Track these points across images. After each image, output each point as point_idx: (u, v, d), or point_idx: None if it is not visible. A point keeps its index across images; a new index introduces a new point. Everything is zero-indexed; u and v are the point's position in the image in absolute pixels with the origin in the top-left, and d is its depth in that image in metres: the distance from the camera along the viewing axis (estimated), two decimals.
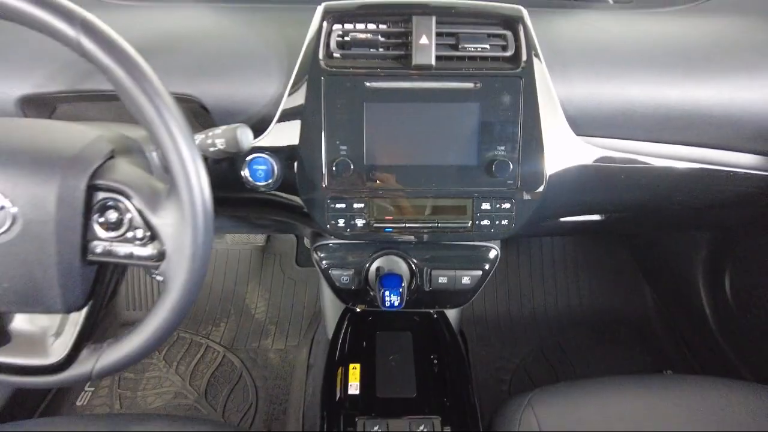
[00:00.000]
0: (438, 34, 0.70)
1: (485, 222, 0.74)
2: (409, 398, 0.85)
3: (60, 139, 0.53)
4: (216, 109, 0.73)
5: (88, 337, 0.59)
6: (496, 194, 0.73)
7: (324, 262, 0.82)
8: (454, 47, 0.72)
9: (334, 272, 0.82)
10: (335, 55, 0.72)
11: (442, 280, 0.83)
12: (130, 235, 0.54)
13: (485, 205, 0.73)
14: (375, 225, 0.74)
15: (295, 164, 0.72)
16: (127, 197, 0.53)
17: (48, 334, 0.59)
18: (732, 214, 1.00)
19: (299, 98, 0.71)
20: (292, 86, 0.71)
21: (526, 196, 0.72)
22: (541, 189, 0.72)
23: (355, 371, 0.89)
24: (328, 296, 1.13)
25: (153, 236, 0.53)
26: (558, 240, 1.59)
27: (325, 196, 0.73)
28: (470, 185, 0.73)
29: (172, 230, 0.53)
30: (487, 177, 0.72)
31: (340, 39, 0.72)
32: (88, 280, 0.55)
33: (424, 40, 0.70)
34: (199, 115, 0.76)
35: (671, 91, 0.73)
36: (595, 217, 0.95)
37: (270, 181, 0.73)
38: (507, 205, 0.73)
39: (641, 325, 1.48)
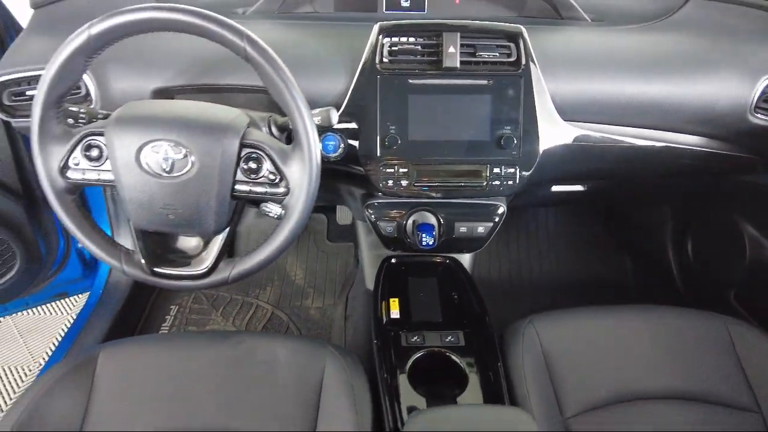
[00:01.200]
0: (461, 45, 0.98)
1: (496, 182, 1.01)
2: (438, 322, 1.12)
3: (218, 112, 0.80)
4: None
5: (224, 253, 0.86)
6: (504, 162, 1.00)
7: (373, 216, 1.09)
8: (473, 54, 0.99)
9: (381, 223, 1.09)
10: (385, 60, 0.99)
11: (462, 229, 1.10)
12: (264, 178, 0.80)
13: (496, 170, 1.00)
14: (416, 184, 1.01)
15: (357, 141, 0.99)
16: (265, 152, 0.79)
17: (197, 251, 0.86)
18: (688, 183, 1.28)
19: (361, 92, 0.98)
20: (356, 83, 0.98)
21: (526, 162, 1.00)
22: (537, 158, 1.00)
23: (394, 303, 1.15)
24: (367, 251, 1.40)
25: (282, 178, 0.80)
26: (551, 217, 1.86)
27: (379, 163, 1.00)
28: (485, 155, 1.00)
29: (296, 174, 0.79)
30: (497, 149, 0.99)
31: (390, 48, 0.99)
32: (230, 211, 0.82)
33: (451, 49, 0.98)
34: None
35: (629, 86, 1.01)
36: (579, 188, 1.23)
37: (337, 153, 0.99)
38: (511, 170, 1.00)
39: (620, 286, 1.75)
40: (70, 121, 0.82)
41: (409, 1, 1.17)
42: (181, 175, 0.76)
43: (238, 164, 0.78)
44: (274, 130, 0.88)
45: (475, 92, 0.98)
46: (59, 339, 1.61)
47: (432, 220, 1.09)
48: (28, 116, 1.01)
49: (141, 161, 0.76)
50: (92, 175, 0.80)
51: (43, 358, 1.54)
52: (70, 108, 0.85)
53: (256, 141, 0.78)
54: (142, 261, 0.83)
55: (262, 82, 0.76)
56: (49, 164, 0.78)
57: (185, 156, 0.75)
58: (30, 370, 1.52)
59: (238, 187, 0.79)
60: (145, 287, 1.64)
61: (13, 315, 1.64)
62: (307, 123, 0.76)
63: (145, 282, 0.84)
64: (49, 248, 1.46)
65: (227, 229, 0.84)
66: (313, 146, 0.78)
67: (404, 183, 1.01)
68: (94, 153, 0.79)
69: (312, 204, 0.80)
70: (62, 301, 1.68)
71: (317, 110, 0.87)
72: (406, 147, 0.99)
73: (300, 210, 0.80)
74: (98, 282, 1.57)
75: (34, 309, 1.67)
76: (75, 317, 1.54)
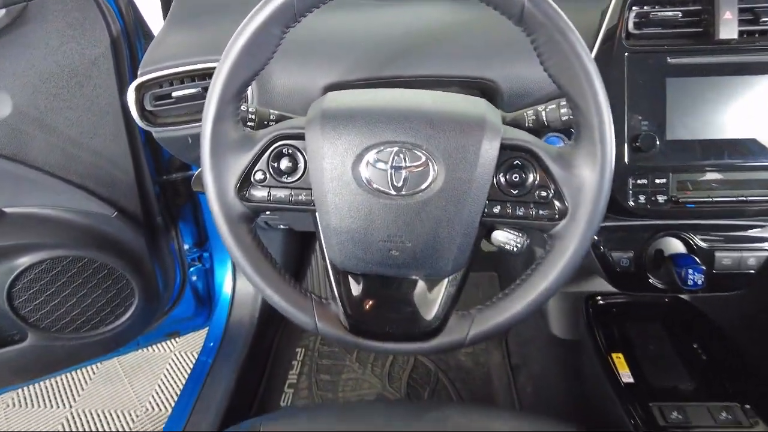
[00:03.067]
0: (739, 10, 0.71)
1: None
2: (691, 389, 0.82)
3: (462, 101, 0.56)
4: (509, 92, 0.76)
5: (455, 303, 0.60)
6: None
7: (603, 244, 0.82)
8: (755, 22, 0.71)
9: (615, 254, 0.81)
10: (633, 32, 0.74)
11: (726, 261, 0.80)
12: (530, 195, 0.55)
13: None
14: (680, 200, 0.73)
15: None
16: (535, 156, 0.54)
17: (418, 299, 0.61)
18: None
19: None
20: None
21: None
22: None
23: (620, 360, 0.86)
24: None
25: (556, 194, 0.55)
26: None
27: (627, 172, 0.73)
28: None
29: (577, 187, 0.54)
30: None
31: (637, 20, 0.73)
32: (474, 241, 0.57)
33: (728, 15, 0.71)
34: None
35: None
36: None
37: None
38: None
39: None
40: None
41: None
42: (418, 192, 0.53)
43: (495, 175, 0.54)
44: (529, 124, 0.63)
45: (762, 72, 0.70)
46: (169, 380, 1.45)
47: (681, 248, 0.81)
48: (172, 124, 0.82)
49: (360, 174, 0.53)
50: (281, 194, 0.58)
51: (150, 403, 1.42)
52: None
53: (522, 141, 0.54)
54: (342, 315, 0.60)
55: (539, 51, 0.53)
56: (223, 181, 0.57)
57: (426, 165, 0.52)
58: (137, 416, 1.40)
59: (492, 207, 0.55)
60: (269, 326, 1.43)
61: None
62: (604, 112, 0.52)
63: (345, 345, 0.60)
64: (166, 283, 1.29)
65: (463, 269, 0.59)
66: (610, 147, 0.52)
67: (660, 199, 0.74)
68: (286, 164, 0.57)
69: (594, 232, 0.55)
70: None
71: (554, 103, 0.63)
72: (664, 149, 0.73)
73: (580, 239, 0.54)
74: (217, 322, 1.38)
75: None
76: (194, 363, 1.35)
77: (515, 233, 0.61)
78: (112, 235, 1.10)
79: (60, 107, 1.00)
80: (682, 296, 0.97)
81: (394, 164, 0.53)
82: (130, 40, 1.03)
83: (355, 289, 0.61)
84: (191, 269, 1.42)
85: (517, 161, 0.55)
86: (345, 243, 0.57)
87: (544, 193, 0.55)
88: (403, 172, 0.53)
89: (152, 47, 0.83)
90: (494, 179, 0.55)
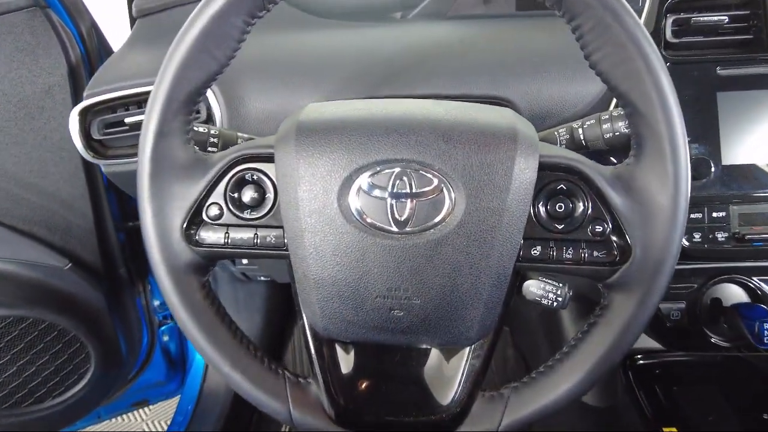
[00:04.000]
0: None
1: None
2: None
3: (492, 113, 0.43)
4: (529, 113, 0.65)
5: (482, 378, 0.45)
6: None
7: None
8: None
9: (663, 305, 0.67)
10: (673, 41, 0.63)
11: None
12: (582, 230, 0.42)
13: None
14: (745, 236, 0.60)
15: None
16: (585, 178, 0.41)
17: (430, 373, 0.46)
18: None
19: None
20: None
21: None
22: None
23: None
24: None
25: (616, 229, 0.41)
26: None
27: None
28: None
29: (644, 217, 0.40)
30: None
31: (675, 28, 0.63)
32: (506, 296, 0.43)
33: None
34: None
35: None
36: None
37: None
38: None
39: None
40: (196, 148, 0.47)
41: None
42: (429, 229, 0.40)
43: (533, 205, 0.40)
44: (562, 145, 0.51)
45: None
46: None
47: (743, 295, 0.67)
48: (123, 156, 0.68)
49: (349, 205, 0.40)
50: (243, 235, 0.44)
51: None
52: (196, 127, 0.52)
53: (566, 159, 0.42)
54: (325, 400, 0.45)
55: (584, 42, 0.41)
56: (166, 216, 0.44)
57: (439, 192, 0.39)
58: None
59: (529, 250, 0.41)
60: None
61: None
62: (675, 116, 0.40)
63: None
64: (130, 345, 1.11)
65: (491, 335, 0.45)
66: (684, 161, 0.40)
67: (720, 236, 0.61)
68: (251, 195, 0.44)
69: (669, 279, 0.41)
70: None
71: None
72: (721, 176, 0.61)
73: (649, 289, 0.41)
74: (189, 390, 1.20)
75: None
76: None
77: (554, 283, 0.47)
78: (64, 291, 0.94)
79: (5, 142, 0.87)
80: (739, 354, 0.82)
81: (395, 191, 0.40)
82: (92, 68, 0.91)
83: (345, 363, 0.46)
84: (162, 328, 1.26)
85: (561, 185, 0.42)
86: (329, 300, 0.42)
87: (599, 228, 0.42)
88: (408, 202, 0.40)
89: (104, 67, 0.71)
90: (532, 210, 0.41)
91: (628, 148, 0.53)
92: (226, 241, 0.44)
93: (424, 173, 0.39)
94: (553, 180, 0.42)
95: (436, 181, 0.39)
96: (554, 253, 0.42)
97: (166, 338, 1.29)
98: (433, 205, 0.40)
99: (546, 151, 0.42)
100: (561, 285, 0.47)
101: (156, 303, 1.23)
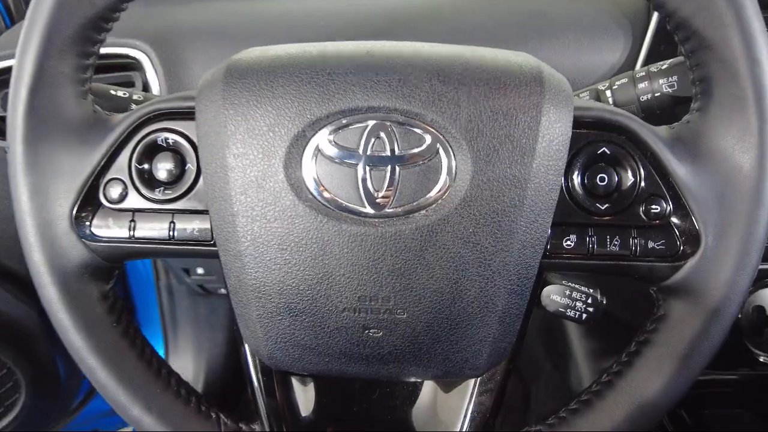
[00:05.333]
0: None
1: None
2: None
3: (504, 54, 0.31)
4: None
5: (492, 423, 0.33)
6: None
7: None
8: None
9: None
10: None
11: None
12: (631, 212, 0.30)
13: None
14: None
15: None
16: (635, 138, 0.29)
17: (419, 410, 0.33)
18: None
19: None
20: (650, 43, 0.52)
21: None
22: None
23: None
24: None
25: (678, 208, 0.29)
26: None
27: None
28: None
29: (718, 192, 0.29)
30: None
31: None
32: (529, 303, 0.31)
33: None
34: None
35: None
36: None
37: None
38: None
39: None
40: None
41: None
42: (419, 210, 0.27)
43: (567, 178, 0.29)
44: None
45: None
46: None
47: None
48: None
49: (302, 176, 0.27)
50: (156, 226, 0.31)
51: None
52: (114, 91, 0.39)
53: (609, 113, 0.30)
54: None
55: None
56: (48, 200, 0.31)
57: (433, 155, 0.27)
58: None
59: (561, 239, 0.29)
60: None
61: None
62: (761, 49, 0.29)
63: None
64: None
65: (505, 361, 0.33)
66: None
67: None
68: (165, 167, 0.31)
69: (754, 274, 0.29)
70: None
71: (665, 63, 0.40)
72: None
73: (728, 291, 0.29)
74: None
75: None
76: None
77: (583, 288, 0.35)
78: None
79: None
80: None
81: (369, 154, 0.28)
82: None
83: (303, 404, 0.34)
84: None
85: (603, 148, 0.30)
86: (275, 316, 0.30)
87: (655, 208, 0.30)
88: (389, 171, 0.28)
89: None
90: (564, 183, 0.30)
91: (669, 115, 0.42)
92: (131, 233, 0.32)
93: (411, 128, 0.27)
94: (591, 141, 0.30)
95: (428, 140, 0.27)
96: (593, 246, 0.30)
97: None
98: (424, 174, 0.28)
99: (579, 102, 0.31)
100: (591, 290, 0.35)
101: None
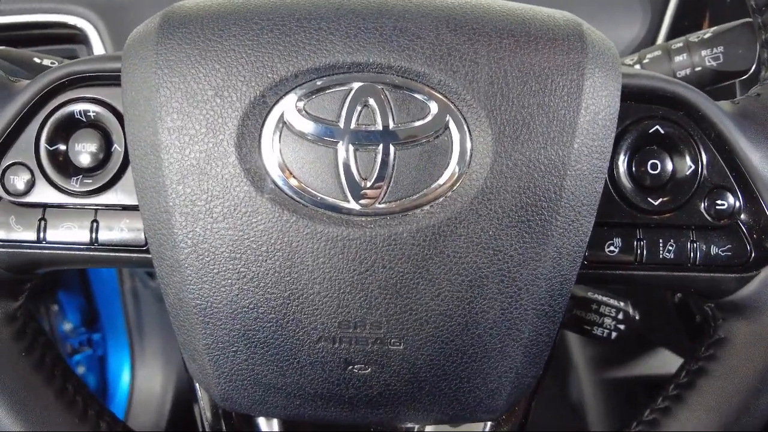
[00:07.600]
0: None
1: None
2: None
3: (537, 8, 0.25)
4: None
5: None
6: None
7: None
8: None
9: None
10: None
11: None
12: (692, 207, 0.23)
13: None
14: None
15: None
16: (695, 115, 0.23)
17: None
18: None
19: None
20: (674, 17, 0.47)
21: None
22: None
23: None
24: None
25: (750, 204, 0.23)
26: None
27: None
28: None
29: None
30: None
31: None
32: (559, 324, 0.24)
33: None
34: None
35: None
36: None
37: None
38: None
39: None
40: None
41: None
42: (422, 205, 0.20)
43: (612, 163, 0.24)
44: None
45: None
46: None
47: None
48: None
49: (261, 159, 0.22)
50: (74, 226, 0.24)
51: None
52: (39, 59, 0.32)
53: (664, 83, 0.25)
54: None
55: None
56: None
57: (442, 129, 0.19)
58: None
59: (605, 241, 0.22)
60: None
61: None
62: None
63: None
64: None
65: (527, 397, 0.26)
66: None
67: None
68: (85, 149, 0.23)
69: None
70: None
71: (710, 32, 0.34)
72: None
73: None
74: None
75: None
76: None
77: (612, 300, 0.28)
78: None
79: None
80: None
81: (354, 128, 0.21)
82: None
83: None
84: (75, 357, 1.04)
85: (656, 126, 0.23)
86: (228, 347, 0.23)
87: (721, 204, 0.24)
88: (380, 151, 0.21)
89: None
90: (616, 170, 0.23)
91: (708, 93, 0.35)
92: (41, 235, 0.24)
93: (411, 93, 0.21)
94: (641, 118, 0.23)
95: (434, 109, 0.21)
96: (642, 252, 0.24)
97: (82, 370, 1.08)
98: (428, 157, 0.21)
99: (623, 69, 0.24)
100: (622, 304, 0.29)
101: (67, 327, 1.02)
